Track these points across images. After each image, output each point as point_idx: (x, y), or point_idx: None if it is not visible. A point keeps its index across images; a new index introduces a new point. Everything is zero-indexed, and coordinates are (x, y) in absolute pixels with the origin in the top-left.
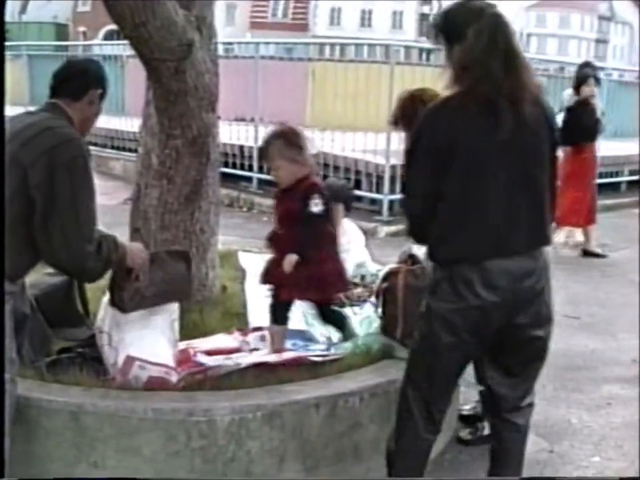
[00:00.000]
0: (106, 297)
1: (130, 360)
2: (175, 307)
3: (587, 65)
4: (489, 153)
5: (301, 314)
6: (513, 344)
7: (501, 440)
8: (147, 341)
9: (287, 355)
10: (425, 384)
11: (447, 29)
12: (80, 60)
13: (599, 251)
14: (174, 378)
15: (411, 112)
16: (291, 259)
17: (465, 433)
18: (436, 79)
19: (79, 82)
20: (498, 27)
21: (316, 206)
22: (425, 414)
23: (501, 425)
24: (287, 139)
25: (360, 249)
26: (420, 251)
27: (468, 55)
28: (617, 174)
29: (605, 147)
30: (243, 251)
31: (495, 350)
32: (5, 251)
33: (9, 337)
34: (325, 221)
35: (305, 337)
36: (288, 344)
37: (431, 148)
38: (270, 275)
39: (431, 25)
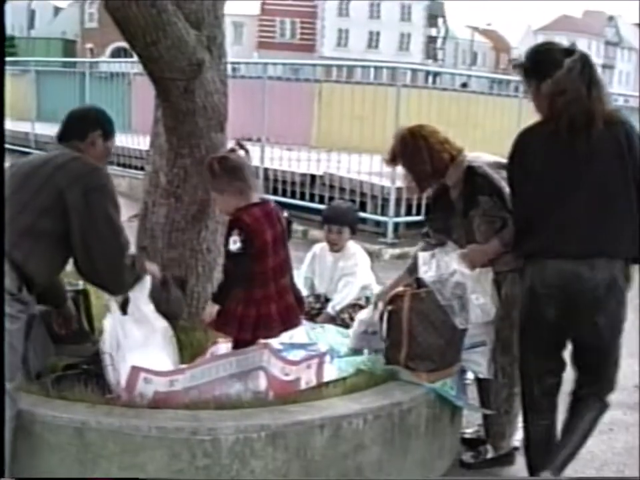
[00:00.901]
0: (107, 319)
1: (135, 371)
2: (166, 324)
3: None
4: (568, 171)
5: (303, 331)
6: (576, 341)
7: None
8: (149, 356)
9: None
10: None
11: (540, 63)
12: (80, 108)
13: None
14: (179, 386)
15: (413, 147)
16: (210, 310)
17: (467, 457)
18: (441, 102)
19: (79, 125)
20: (587, 61)
21: (234, 243)
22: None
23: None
24: (211, 170)
25: (365, 272)
26: (426, 274)
27: (563, 82)
28: None
29: None
30: None
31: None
32: (24, 254)
33: (20, 343)
34: (244, 259)
35: (306, 349)
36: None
37: (524, 167)
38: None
39: (519, 63)
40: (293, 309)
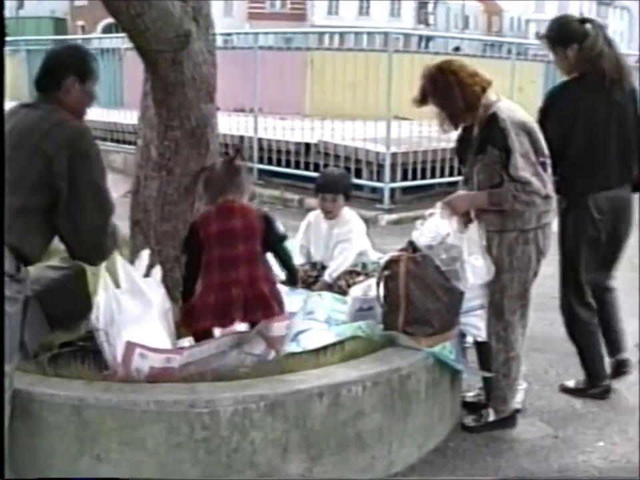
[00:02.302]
0: (100, 294)
1: (130, 346)
2: (165, 298)
3: None
4: (602, 116)
5: (301, 299)
6: (613, 245)
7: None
8: (144, 331)
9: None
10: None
11: (564, 33)
12: (54, 52)
13: None
14: (176, 364)
15: (444, 84)
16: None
17: (469, 420)
18: None
19: (51, 75)
20: (602, 27)
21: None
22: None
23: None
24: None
25: (361, 238)
26: (420, 238)
27: (596, 44)
28: None
29: None
30: None
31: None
32: (19, 235)
33: (17, 325)
34: (188, 252)
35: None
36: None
37: (571, 116)
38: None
39: (544, 34)
40: (235, 303)
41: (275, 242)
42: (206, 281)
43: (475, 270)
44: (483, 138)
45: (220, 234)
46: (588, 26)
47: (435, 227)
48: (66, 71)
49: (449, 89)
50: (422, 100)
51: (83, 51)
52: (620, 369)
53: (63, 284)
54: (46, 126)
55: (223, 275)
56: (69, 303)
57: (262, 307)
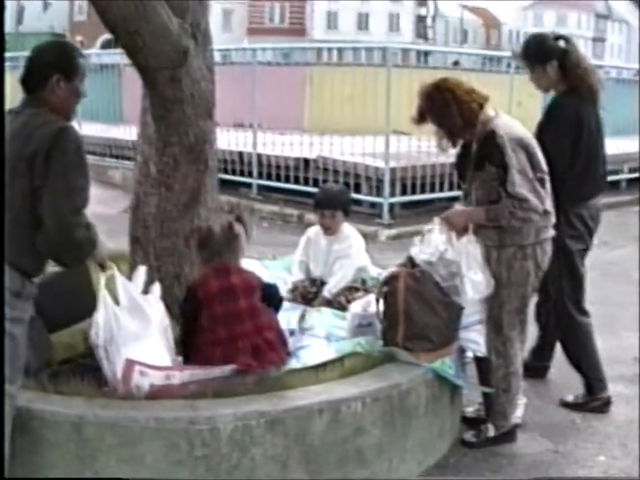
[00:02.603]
0: (99, 311)
1: (130, 364)
2: (164, 315)
3: None
4: (595, 126)
5: (299, 315)
6: None
7: None
8: (144, 348)
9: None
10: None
11: (542, 50)
12: (39, 48)
13: None
14: (176, 380)
15: (441, 102)
16: None
17: (468, 435)
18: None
19: (36, 73)
20: (576, 45)
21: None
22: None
23: None
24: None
25: (360, 254)
26: (419, 254)
27: (575, 62)
28: (616, 172)
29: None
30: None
31: None
32: (17, 250)
33: (24, 347)
34: (187, 311)
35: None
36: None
37: (571, 125)
38: None
39: (519, 53)
40: (242, 352)
41: (270, 301)
42: (210, 338)
43: (474, 284)
44: (481, 155)
45: (220, 291)
46: (561, 42)
47: (433, 243)
48: (50, 69)
49: (446, 107)
50: (420, 118)
51: (68, 47)
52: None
53: (61, 277)
54: (27, 131)
55: (228, 330)
56: (68, 296)
57: (269, 353)
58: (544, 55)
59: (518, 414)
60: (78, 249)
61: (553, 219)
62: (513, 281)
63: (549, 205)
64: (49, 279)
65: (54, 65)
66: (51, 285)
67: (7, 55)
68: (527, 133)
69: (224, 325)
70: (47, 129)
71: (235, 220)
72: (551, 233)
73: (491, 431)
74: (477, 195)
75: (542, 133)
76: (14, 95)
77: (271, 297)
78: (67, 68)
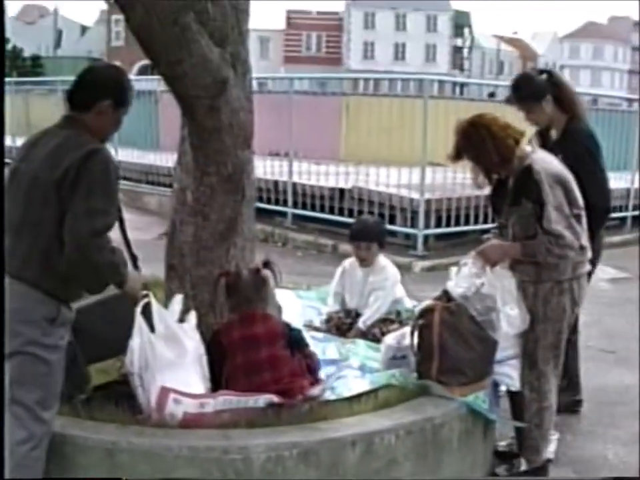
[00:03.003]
0: (134, 338)
1: (164, 392)
2: (199, 343)
3: None
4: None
5: (334, 346)
6: None
7: None
8: (178, 376)
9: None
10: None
11: (536, 88)
12: (94, 68)
13: None
14: (210, 408)
15: (477, 139)
16: None
17: (501, 470)
18: (469, 112)
19: (87, 93)
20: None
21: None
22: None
23: None
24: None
25: (396, 286)
26: (455, 288)
27: (569, 91)
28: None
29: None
30: (279, 287)
31: None
32: (52, 279)
33: (60, 374)
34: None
35: (337, 365)
36: (321, 374)
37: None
38: None
39: (512, 97)
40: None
41: (296, 345)
42: (232, 386)
43: (510, 319)
44: (518, 190)
45: (242, 340)
46: (545, 76)
47: (469, 277)
48: (103, 92)
49: (483, 143)
50: (456, 155)
51: (122, 73)
52: (573, 406)
53: (105, 304)
54: (60, 153)
55: (248, 380)
56: (111, 324)
57: (292, 391)
58: (539, 92)
59: (550, 449)
60: (97, 272)
61: (589, 254)
62: (549, 317)
63: (584, 240)
64: (95, 306)
65: (108, 89)
66: (96, 312)
67: (45, 79)
68: (564, 169)
69: (244, 375)
70: (79, 152)
71: (263, 265)
72: (587, 267)
73: (524, 466)
74: (514, 230)
75: (577, 165)
76: (50, 119)
77: (297, 342)
78: (119, 94)
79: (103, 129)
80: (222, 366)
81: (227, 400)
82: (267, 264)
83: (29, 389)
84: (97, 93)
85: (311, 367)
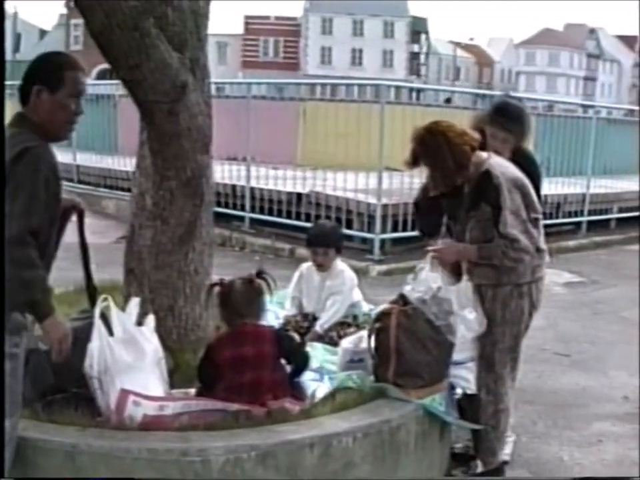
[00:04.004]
0: (93, 342)
1: (124, 394)
2: (158, 346)
3: None
4: None
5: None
6: None
7: None
8: (138, 379)
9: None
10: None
11: (510, 115)
12: (31, 61)
13: None
14: (169, 411)
15: (434, 145)
16: None
17: (457, 472)
18: (425, 118)
19: (22, 87)
20: None
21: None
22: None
23: None
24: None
25: (353, 290)
26: (412, 292)
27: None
28: (606, 211)
29: (595, 185)
30: None
31: None
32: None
33: (18, 382)
34: (204, 375)
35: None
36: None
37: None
38: None
39: (509, 127)
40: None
41: (289, 357)
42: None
43: (467, 323)
44: (476, 194)
45: (231, 361)
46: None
47: (426, 281)
48: (31, 78)
49: (439, 150)
50: (413, 162)
51: (54, 57)
52: None
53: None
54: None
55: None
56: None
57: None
58: (523, 118)
59: (506, 451)
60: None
61: (547, 258)
62: (507, 319)
63: (542, 243)
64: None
65: (35, 75)
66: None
67: (7, 83)
68: (521, 174)
69: (231, 394)
70: (12, 152)
71: (256, 275)
72: (545, 271)
73: (480, 467)
74: (471, 234)
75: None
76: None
77: (289, 352)
78: (48, 77)
79: (48, 122)
80: (214, 384)
81: (186, 404)
82: (260, 274)
83: None
84: (27, 81)
85: (295, 385)
